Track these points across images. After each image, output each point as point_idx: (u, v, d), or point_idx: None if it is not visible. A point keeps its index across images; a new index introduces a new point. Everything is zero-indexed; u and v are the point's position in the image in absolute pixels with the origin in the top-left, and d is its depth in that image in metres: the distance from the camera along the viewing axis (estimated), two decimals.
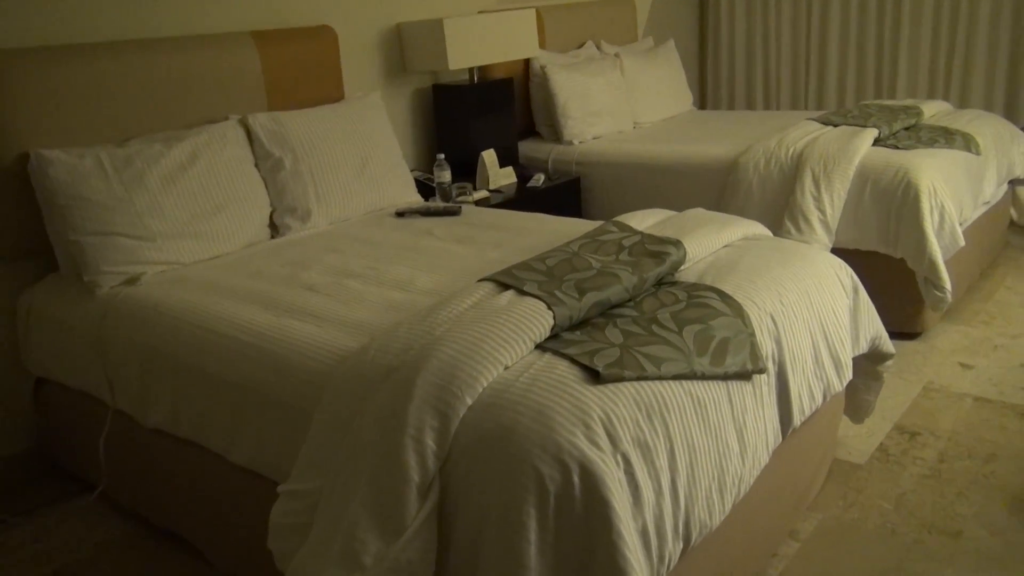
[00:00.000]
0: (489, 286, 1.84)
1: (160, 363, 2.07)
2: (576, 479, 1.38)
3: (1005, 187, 3.65)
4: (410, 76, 3.66)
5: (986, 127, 3.51)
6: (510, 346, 1.59)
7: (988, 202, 3.46)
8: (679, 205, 3.46)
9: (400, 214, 2.87)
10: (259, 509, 1.80)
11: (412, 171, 3.55)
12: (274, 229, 2.74)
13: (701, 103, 5.54)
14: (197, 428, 2.00)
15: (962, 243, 3.02)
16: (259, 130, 2.75)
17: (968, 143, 3.28)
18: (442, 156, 3.27)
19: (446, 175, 3.25)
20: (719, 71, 5.37)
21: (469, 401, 1.50)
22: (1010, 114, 4.45)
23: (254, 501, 1.87)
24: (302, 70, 3.06)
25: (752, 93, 5.30)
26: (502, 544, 1.39)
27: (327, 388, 1.67)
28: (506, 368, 1.57)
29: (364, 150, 2.94)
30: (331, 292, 2.11)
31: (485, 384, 1.53)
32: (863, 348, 2.22)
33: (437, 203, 3.07)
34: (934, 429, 2.53)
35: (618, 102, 4.10)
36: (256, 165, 2.73)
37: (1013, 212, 3.86)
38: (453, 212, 2.84)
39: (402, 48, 3.54)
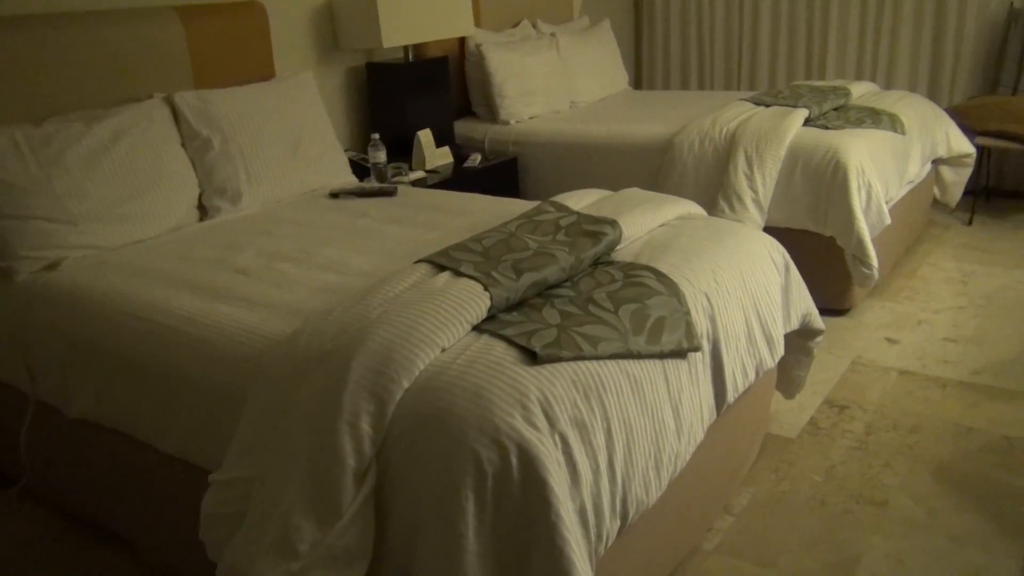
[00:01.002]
0: (425, 268, 1.82)
1: (83, 351, 1.99)
2: (514, 460, 1.37)
3: (929, 166, 3.76)
4: (343, 54, 3.59)
5: (911, 108, 3.60)
6: (447, 328, 1.57)
7: (912, 181, 3.56)
8: (616, 184, 3.47)
9: (334, 195, 2.81)
10: (190, 499, 1.76)
11: (346, 151, 3.49)
12: (203, 211, 2.66)
13: (636, 83, 5.57)
14: (124, 417, 1.93)
15: (888, 221, 3.10)
16: (186, 109, 2.66)
17: (894, 123, 3.36)
18: (377, 136, 3.22)
19: (381, 155, 3.20)
20: (654, 51, 5.40)
21: (406, 384, 1.48)
22: (933, 95, 4.58)
23: (185, 491, 1.83)
24: (230, 47, 2.97)
25: (687, 73, 5.35)
26: (440, 527, 1.38)
27: (259, 374, 1.63)
28: (443, 350, 1.56)
29: (296, 130, 2.88)
30: (263, 275, 2.07)
31: (422, 367, 1.51)
32: (794, 325, 2.26)
33: (372, 184, 3.03)
34: (861, 402, 2.60)
35: (554, 82, 4.10)
36: (183, 145, 2.65)
37: (936, 191, 3.98)
38: (388, 193, 2.80)
39: (334, 25, 3.47)
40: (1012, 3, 4.26)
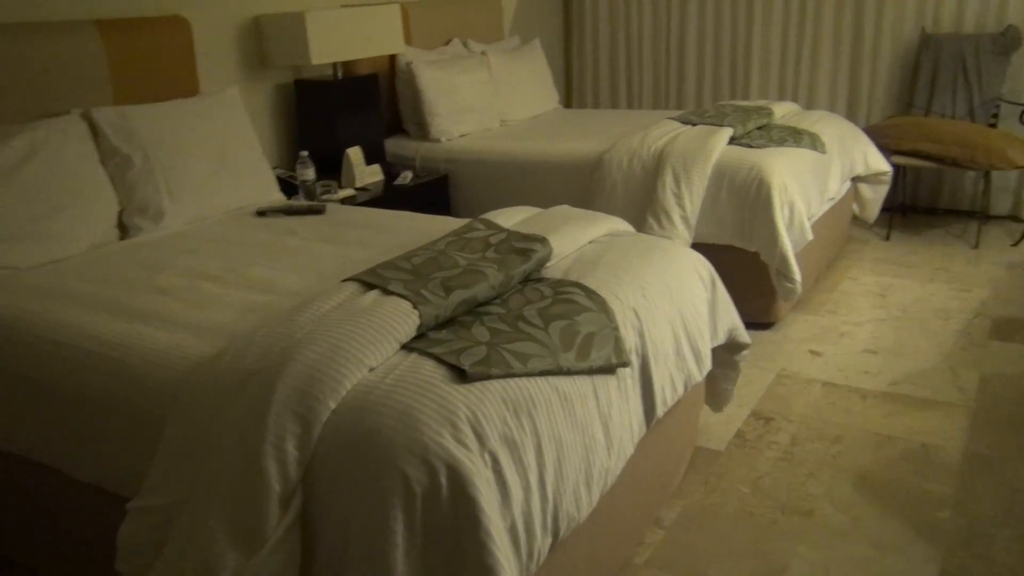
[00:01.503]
0: (353, 286, 1.80)
1: None
2: (443, 480, 1.36)
3: (848, 184, 3.88)
4: (271, 71, 3.54)
5: (830, 127, 3.72)
6: (375, 347, 1.56)
7: (833, 198, 3.67)
8: (546, 202, 3.49)
9: (261, 213, 2.77)
10: (106, 529, 1.69)
11: (274, 169, 3.44)
12: (123, 230, 2.59)
13: (567, 102, 5.63)
14: (36, 445, 1.86)
15: (810, 237, 3.19)
16: (104, 125, 2.59)
17: (814, 142, 3.47)
18: (305, 153, 3.18)
19: (310, 173, 3.16)
20: (584, 71, 5.48)
21: (332, 405, 1.46)
22: (851, 115, 4.74)
23: (100, 520, 1.76)
24: (152, 62, 2.90)
25: (616, 92, 5.43)
26: (368, 549, 1.35)
27: (180, 397, 1.58)
28: (371, 370, 1.54)
29: (221, 147, 2.82)
30: (186, 296, 2.01)
31: (349, 387, 1.49)
32: (721, 339, 2.30)
33: (300, 202, 2.99)
34: (787, 414, 2.66)
35: (485, 100, 4.11)
36: (102, 162, 2.57)
37: (855, 207, 4.12)
38: (317, 211, 2.76)
39: (262, 42, 3.42)
40: (924, 28, 4.45)
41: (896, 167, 4.15)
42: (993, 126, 4.31)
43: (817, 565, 1.98)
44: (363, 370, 1.52)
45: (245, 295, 2.00)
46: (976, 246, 4.11)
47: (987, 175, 4.15)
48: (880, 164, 3.94)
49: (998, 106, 4.30)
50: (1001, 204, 4.52)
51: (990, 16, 4.31)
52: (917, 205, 4.72)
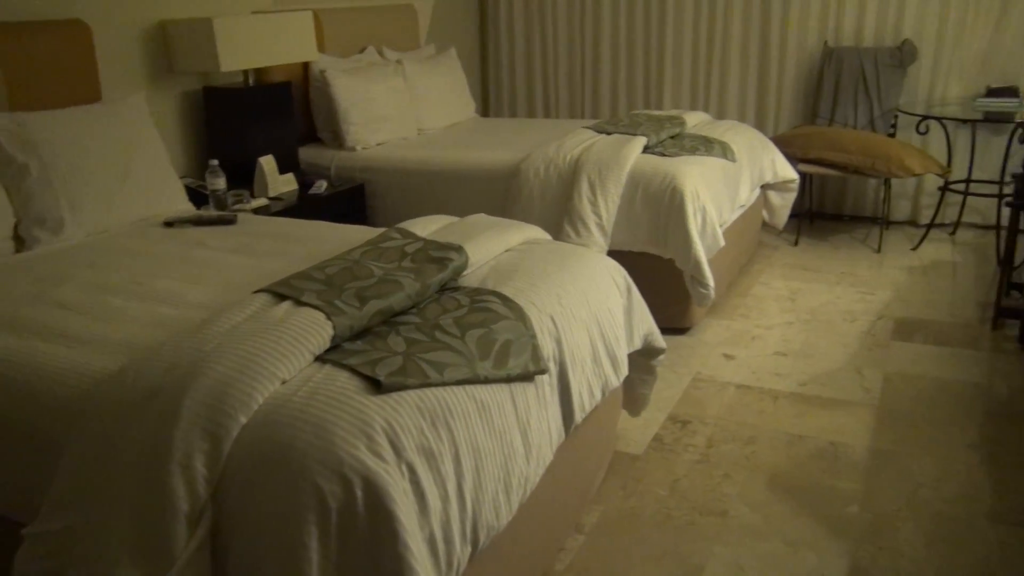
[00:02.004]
0: (265, 297, 1.76)
1: None
2: (359, 493, 1.34)
3: (757, 191, 4.00)
4: (178, 77, 3.44)
5: (740, 136, 3.82)
6: (287, 359, 1.52)
7: (743, 205, 3.77)
8: (464, 211, 3.49)
9: (169, 224, 2.68)
10: (1, 557, 1.61)
11: (183, 178, 3.34)
12: (19, 242, 2.47)
13: (484, 110, 5.65)
14: None
15: (722, 243, 3.26)
16: None
17: (725, 151, 3.56)
18: (215, 162, 3.10)
19: (220, 182, 3.08)
20: (500, 79, 5.50)
21: (243, 420, 1.42)
22: (760, 125, 4.89)
23: None
24: (50, 68, 2.79)
25: (532, 101, 5.47)
26: (282, 567, 1.32)
27: (81, 416, 1.52)
28: (283, 383, 1.50)
29: (125, 155, 2.73)
30: (87, 310, 1.93)
31: (261, 400, 1.45)
32: (637, 344, 2.34)
33: (210, 212, 2.91)
34: (703, 417, 2.71)
35: (401, 108, 4.09)
36: None
37: (765, 214, 4.24)
38: (228, 221, 2.69)
39: (168, 47, 3.32)
40: (826, 41, 4.62)
41: (803, 175, 4.29)
42: (892, 136, 4.50)
43: (732, 564, 2.02)
44: (275, 383, 1.48)
45: (151, 308, 1.93)
46: (879, 250, 4.28)
47: (887, 182, 4.33)
48: (788, 172, 4.07)
49: (896, 117, 4.50)
50: (901, 210, 4.73)
51: (887, 31, 4.51)
52: (823, 211, 4.89)
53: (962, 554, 2.03)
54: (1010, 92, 4.15)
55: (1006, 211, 4.23)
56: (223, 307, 1.74)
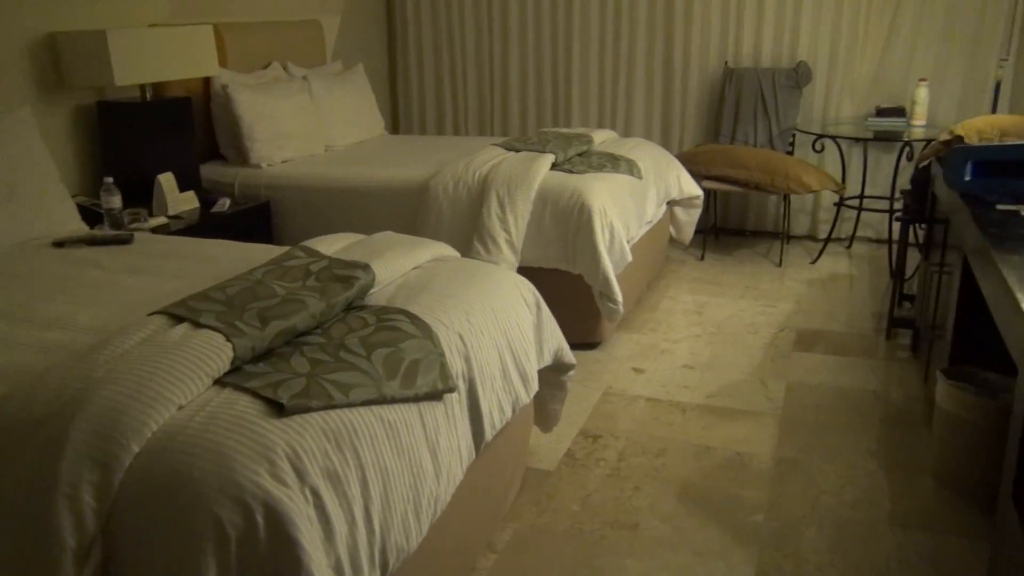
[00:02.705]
0: (161, 320, 1.69)
1: None
2: (260, 520, 1.29)
3: (664, 207, 4.08)
4: (70, 91, 3.30)
5: (646, 154, 3.90)
6: (184, 384, 1.46)
7: (650, 221, 3.84)
8: (372, 229, 3.44)
9: (59, 244, 2.56)
10: None
11: (75, 196, 3.20)
12: None
13: (393, 128, 5.61)
14: None
15: (630, 259, 3.31)
16: None
17: (631, 168, 3.62)
18: (110, 180, 2.97)
19: (116, 200, 2.96)
20: (409, 97, 5.48)
21: (136, 448, 1.35)
22: (665, 142, 5.00)
23: None
24: None
25: (442, 119, 5.47)
26: None
27: None
28: (180, 408, 1.44)
29: (10, 172, 2.59)
30: None
31: (155, 427, 1.38)
32: (547, 360, 2.34)
33: (105, 231, 2.79)
34: (613, 431, 2.73)
35: (308, 125, 4.02)
36: None
37: (672, 230, 4.33)
38: (124, 240, 2.59)
39: (58, 60, 3.19)
40: (727, 62, 4.77)
41: (707, 191, 4.41)
42: (790, 153, 4.67)
43: None
44: (171, 409, 1.42)
45: (38, 333, 1.83)
46: (780, 264, 4.42)
47: (787, 198, 4.48)
48: (692, 189, 4.17)
49: (794, 135, 4.67)
50: (800, 225, 4.90)
51: (784, 53, 4.69)
52: (727, 227, 5.03)
53: (863, 558, 2.10)
54: (898, 112, 4.36)
55: (897, 225, 4.43)
56: (116, 331, 1.67)
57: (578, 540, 2.18)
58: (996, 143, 2.54)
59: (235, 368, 1.58)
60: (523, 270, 3.28)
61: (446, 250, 2.40)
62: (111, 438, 1.34)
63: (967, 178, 2.28)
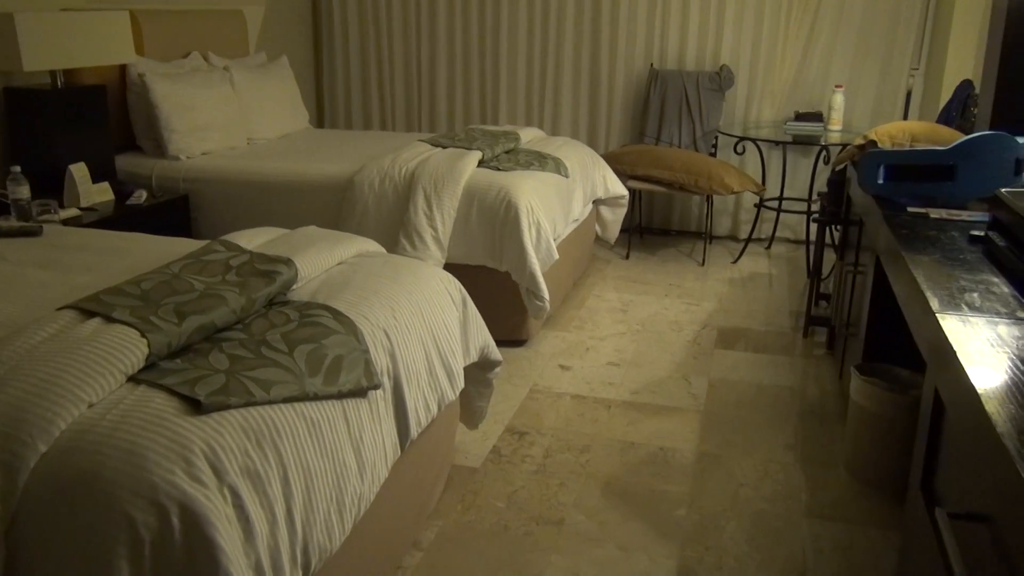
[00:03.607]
0: (71, 314, 1.62)
1: None
2: (175, 521, 1.25)
3: (590, 206, 4.11)
4: None
5: (573, 153, 3.92)
6: (94, 380, 1.40)
7: (577, 220, 3.87)
8: (296, 223, 3.38)
9: None
10: None
11: None
12: None
13: (318, 121, 5.52)
14: None
15: (556, 256, 3.33)
16: None
17: (558, 166, 3.64)
18: (18, 169, 2.85)
19: (24, 191, 2.83)
20: (335, 90, 5.40)
21: (43, 448, 1.29)
22: (591, 142, 5.04)
23: None
24: None
25: (369, 114, 5.40)
26: None
27: None
28: (90, 406, 1.38)
29: None
30: None
31: (63, 426, 1.33)
32: (473, 357, 2.33)
33: (12, 222, 2.67)
34: (540, 427, 2.74)
35: (229, 117, 3.92)
36: None
37: (598, 228, 4.37)
38: (32, 232, 2.48)
39: None
40: (652, 64, 4.84)
41: (632, 191, 4.46)
42: (713, 155, 4.76)
43: (568, 572, 2.05)
44: (80, 407, 1.36)
45: None
46: (703, 263, 4.50)
47: (710, 199, 4.57)
48: (618, 188, 4.22)
49: (717, 137, 4.77)
50: (722, 225, 5.01)
51: (707, 56, 4.78)
52: (652, 227, 5.11)
53: (780, 549, 2.15)
54: (815, 117, 4.50)
55: (814, 227, 4.56)
56: (21, 326, 1.59)
57: (504, 537, 2.18)
58: (907, 148, 2.64)
59: (150, 365, 1.52)
60: (449, 267, 3.27)
61: (371, 246, 2.37)
62: (14, 437, 1.27)
63: (880, 181, 2.36)
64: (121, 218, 3.15)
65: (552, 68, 5.02)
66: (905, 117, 4.62)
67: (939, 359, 1.37)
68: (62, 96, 3.22)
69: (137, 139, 3.79)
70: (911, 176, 2.33)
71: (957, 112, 3.23)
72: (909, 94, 4.60)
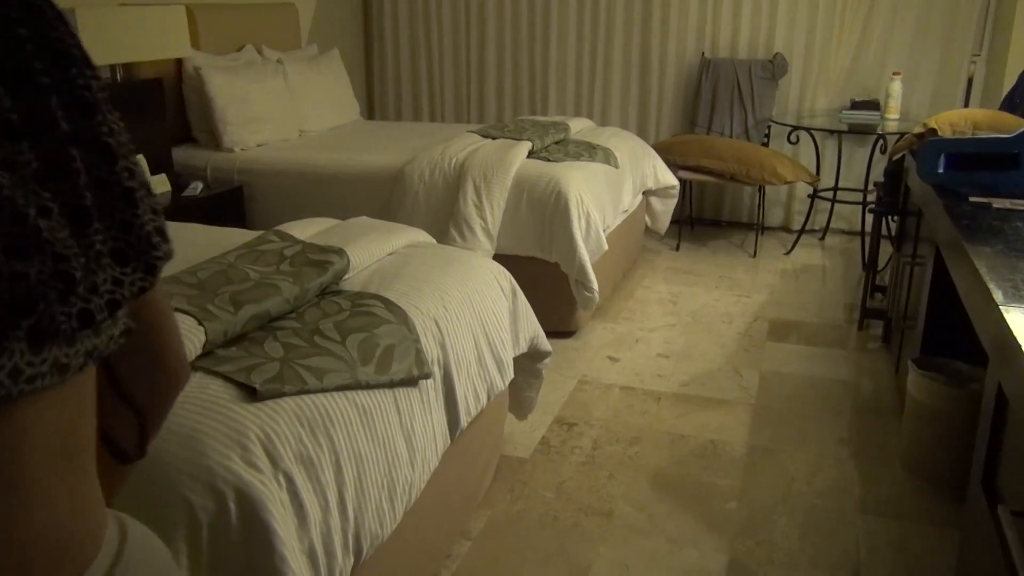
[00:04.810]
0: None
1: None
2: (232, 506, 1.27)
3: (640, 197, 4.08)
4: None
5: (622, 143, 3.90)
6: None
7: (626, 210, 3.84)
8: (348, 214, 3.40)
9: None
10: None
11: None
12: None
13: (368, 113, 5.57)
14: None
15: (606, 247, 3.31)
16: None
17: (608, 157, 3.62)
18: None
19: None
20: (385, 82, 5.43)
21: None
22: (641, 132, 5.00)
23: None
24: None
25: (418, 105, 5.43)
26: None
27: None
28: None
29: None
30: None
31: None
32: (523, 348, 2.33)
33: None
34: (588, 419, 2.74)
35: (282, 109, 3.97)
36: None
37: (647, 219, 4.34)
38: None
39: None
40: (703, 53, 4.78)
41: (682, 181, 4.41)
42: (766, 145, 4.69)
43: (617, 563, 2.04)
44: None
45: None
46: (754, 255, 4.44)
47: (762, 190, 4.51)
48: (668, 179, 4.18)
49: (769, 127, 4.69)
50: (774, 216, 4.93)
51: (760, 44, 4.70)
52: (703, 217, 5.05)
53: (833, 544, 2.12)
54: (872, 105, 4.39)
55: (870, 217, 4.47)
56: None
57: (552, 527, 2.18)
58: (969, 136, 2.57)
59: (207, 352, 1.55)
60: (499, 257, 3.27)
61: (421, 236, 2.38)
62: None
63: (940, 171, 2.30)
64: (177, 209, 3.22)
65: (602, 57, 4.98)
66: (966, 105, 4.49)
67: (1003, 353, 1.33)
68: (120, 90, 3.30)
69: (193, 131, 3.87)
70: (973, 165, 2.27)
71: (1021, 99, 3.13)
72: (970, 81, 4.47)
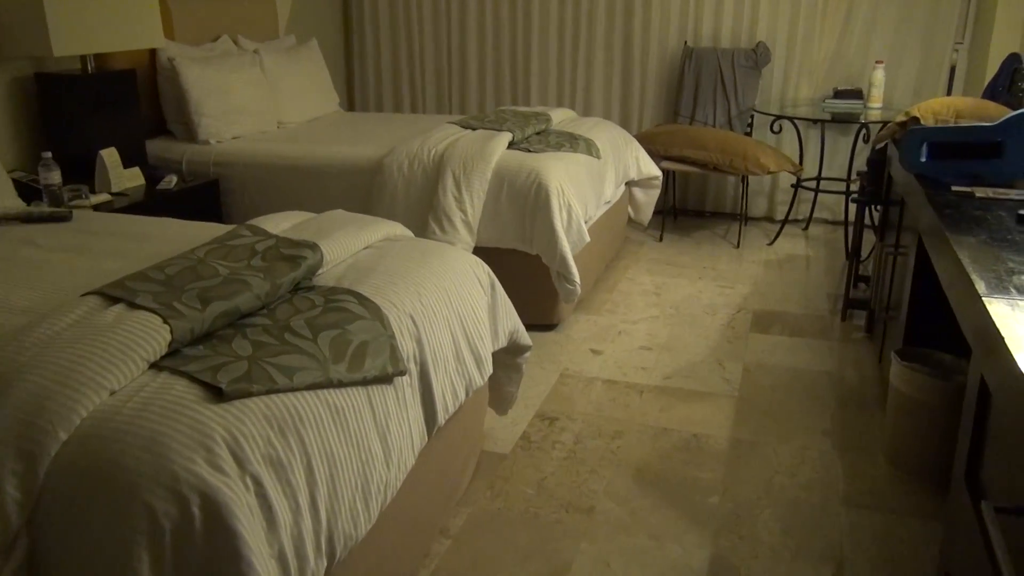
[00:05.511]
0: (95, 300, 1.61)
1: None
2: (196, 511, 1.23)
3: (622, 188, 4.05)
4: (5, 62, 3.16)
5: (604, 133, 3.86)
6: (116, 367, 1.39)
7: (609, 201, 3.81)
8: (327, 207, 3.37)
9: None
10: None
11: (12, 172, 3.07)
12: None
13: (349, 104, 5.50)
14: None
15: (588, 239, 3.28)
16: None
17: (590, 148, 3.58)
18: (49, 155, 2.86)
19: (54, 176, 2.85)
20: (365, 73, 5.37)
21: (63, 436, 1.28)
22: (624, 122, 4.96)
23: None
24: None
25: (399, 96, 5.37)
26: None
27: None
28: (112, 393, 1.37)
29: None
30: None
31: (84, 414, 1.32)
32: (502, 342, 2.30)
33: (43, 208, 2.68)
34: (570, 413, 2.71)
35: (259, 101, 3.91)
36: None
37: (630, 210, 4.30)
38: (62, 218, 2.48)
39: None
40: (686, 42, 4.74)
41: (665, 172, 4.38)
42: (749, 134, 4.66)
43: (599, 560, 2.01)
44: (102, 394, 1.35)
45: None
46: (738, 245, 4.42)
47: (745, 180, 4.48)
48: (651, 169, 4.14)
49: (752, 116, 4.66)
50: (758, 206, 4.91)
51: (743, 33, 4.67)
52: (686, 208, 5.02)
53: (817, 538, 2.10)
54: (855, 94, 4.37)
55: (853, 207, 4.45)
56: (46, 312, 1.58)
57: (533, 524, 2.15)
58: (952, 125, 2.55)
59: (173, 351, 1.51)
60: (479, 250, 3.23)
61: (398, 229, 2.34)
62: (36, 425, 1.27)
63: (923, 160, 2.28)
64: (152, 203, 3.16)
65: (584, 47, 4.94)
66: (949, 93, 4.48)
67: (986, 345, 1.30)
68: (92, 81, 3.23)
69: (168, 124, 3.80)
70: (956, 154, 2.25)
71: (1004, 87, 3.11)
72: (953, 69, 4.45)
